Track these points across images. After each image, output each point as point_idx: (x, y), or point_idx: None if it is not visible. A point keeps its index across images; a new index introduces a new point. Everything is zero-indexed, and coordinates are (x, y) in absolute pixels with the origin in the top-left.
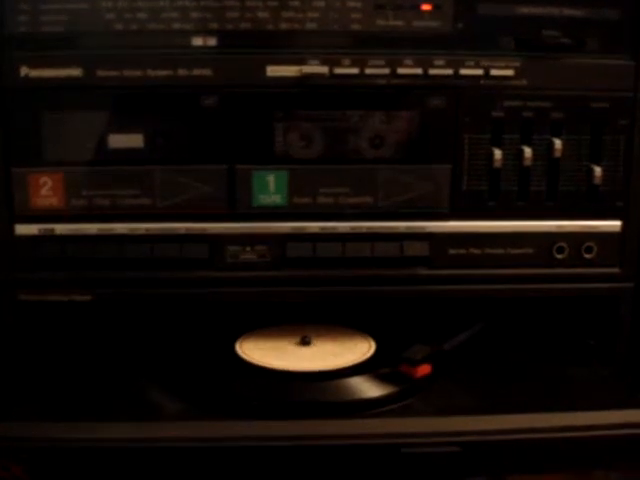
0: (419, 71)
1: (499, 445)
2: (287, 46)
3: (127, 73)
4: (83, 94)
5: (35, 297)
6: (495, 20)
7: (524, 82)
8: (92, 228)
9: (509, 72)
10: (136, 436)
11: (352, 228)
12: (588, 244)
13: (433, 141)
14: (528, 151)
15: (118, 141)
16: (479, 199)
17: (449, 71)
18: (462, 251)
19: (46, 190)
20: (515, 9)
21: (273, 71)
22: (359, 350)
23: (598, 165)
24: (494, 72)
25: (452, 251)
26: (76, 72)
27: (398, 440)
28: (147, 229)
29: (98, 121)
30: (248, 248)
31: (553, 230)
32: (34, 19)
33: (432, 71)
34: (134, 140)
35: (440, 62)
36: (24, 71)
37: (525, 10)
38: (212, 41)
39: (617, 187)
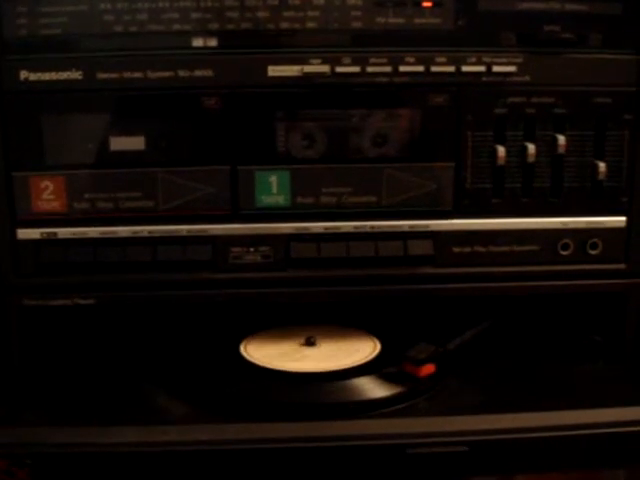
0: (421, 69)
1: (507, 444)
2: (288, 45)
3: (127, 75)
4: (83, 97)
5: (39, 302)
6: (496, 16)
7: (527, 78)
8: (94, 231)
9: (511, 68)
10: (140, 440)
11: (356, 227)
12: (593, 240)
13: (436, 139)
14: (532, 148)
15: (119, 143)
16: (483, 197)
17: (451, 68)
18: (466, 249)
19: (48, 194)
20: (516, 5)
21: (274, 71)
22: (364, 350)
23: (602, 161)
24: (496, 68)
25: (456, 249)
26: (76, 75)
27: (404, 440)
28: (150, 231)
29: (99, 124)
30: (251, 249)
31: (558, 227)
32: (33, 22)
33: (434, 68)
34: (135, 142)
35: (442, 59)
36: (24, 75)
37: (526, 5)
38: (212, 42)
39: (621, 183)
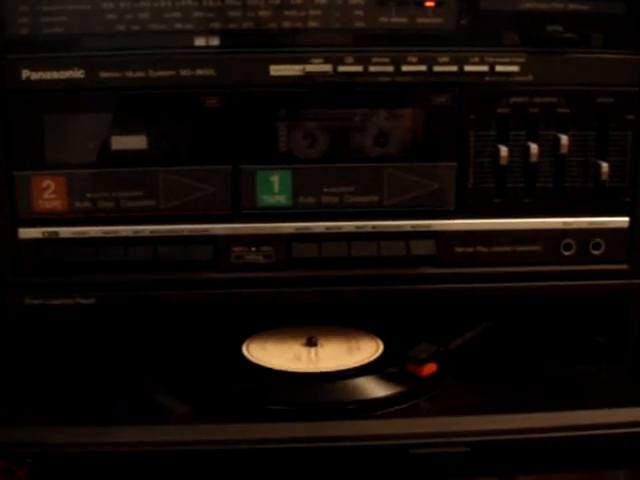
0: (423, 68)
1: (508, 445)
2: (290, 45)
3: (129, 74)
4: (85, 96)
5: (40, 301)
6: (499, 16)
7: (529, 78)
8: (96, 231)
9: (514, 68)
10: (141, 440)
11: (357, 227)
12: (596, 240)
13: (438, 139)
14: (534, 147)
15: (121, 143)
16: (485, 197)
17: (454, 68)
18: (469, 249)
19: (49, 193)
20: (519, 4)
21: (276, 70)
22: (366, 351)
23: (605, 161)
24: (499, 68)
25: (459, 249)
26: (78, 74)
27: (406, 441)
28: (151, 231)
29: (101, 123)
30: (253, 249)
31: (560, 227)
32: (35, 21)
33: (436, 68)
34: (137, 142)
35: (444, 59)
36: (25, 74)
37: (529, 5)
38: (214, 41)
39: (624, 183)
